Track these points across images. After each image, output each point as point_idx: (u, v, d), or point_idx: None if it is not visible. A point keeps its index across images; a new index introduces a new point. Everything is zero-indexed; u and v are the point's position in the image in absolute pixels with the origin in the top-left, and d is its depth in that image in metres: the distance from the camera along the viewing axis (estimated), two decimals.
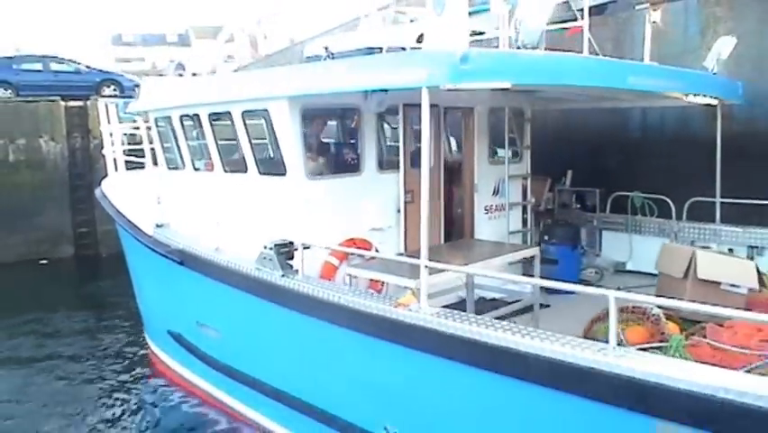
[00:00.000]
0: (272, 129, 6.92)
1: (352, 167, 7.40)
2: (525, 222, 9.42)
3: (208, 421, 7.82)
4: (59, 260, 18.31)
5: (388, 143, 8.18)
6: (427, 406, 5.18)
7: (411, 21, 8.91)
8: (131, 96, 14.57)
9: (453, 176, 9.02)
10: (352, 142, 7.58)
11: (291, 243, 6.43)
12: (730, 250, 8.76)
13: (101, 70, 22.73)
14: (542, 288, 6.77)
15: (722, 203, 8.72)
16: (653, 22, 7.39)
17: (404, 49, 6.40)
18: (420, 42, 6.41)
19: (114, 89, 20.95)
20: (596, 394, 4.01)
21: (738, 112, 9.39)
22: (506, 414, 4.60)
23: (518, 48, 5.50)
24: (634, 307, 6.05)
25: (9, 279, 15.95)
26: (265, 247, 6.50)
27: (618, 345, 5.01)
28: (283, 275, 6.30)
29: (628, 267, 9.68)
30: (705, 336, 5.54)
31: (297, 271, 6.30)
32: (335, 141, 7.93)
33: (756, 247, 8.66)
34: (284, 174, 6.91)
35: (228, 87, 7.77)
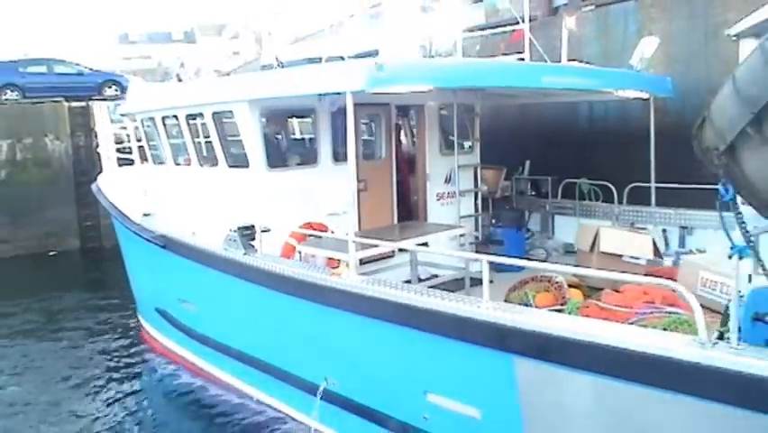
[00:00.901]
0: (237, 127, 7.94)
1: (310, 160, 8.41)
2: (477, 207, 10.39)
3: (188, 386, 8.87)
4: (67, 252, 19.38)
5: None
6: (355, 357, 6.21)
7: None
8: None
9: (412, 166, 10.03)
10: (309, 137, 8.57)
11: (252, 226, 7.45)
12: (664, 230, 9.70)
13: (103, 72, 23.65)
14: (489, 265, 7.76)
15: (659, 187, 9.63)
16: (569, 27, 8.26)
17: (342, 58, 7.38)
18: None
19: (116, 90, 21.75)
20: (472, 338, 5.00)
21: (671, 105, 10.27)
22: (409, 358, 5.60)
23: (432, 56, 6.44)
24: (542, 276, 7.08)
25: (22, 270, 17.21)
26: (230, 230, 7.53)
27: (527, 305, 6.01)
28: (245, 254, 7.32)
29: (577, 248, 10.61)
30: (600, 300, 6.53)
31: (256, 250, 7.32)
32: (294, 137, 8.90)
33: (686, 227, 9.56)
34: (247, 166, 7.92)
35: (201, 92, 8.79)
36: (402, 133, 10.83)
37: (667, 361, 3.97)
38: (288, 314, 6.84)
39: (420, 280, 7.71)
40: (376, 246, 6.80)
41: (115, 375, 9.53)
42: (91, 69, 23.05)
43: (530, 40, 9.00)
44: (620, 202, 10.11)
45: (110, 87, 21.89)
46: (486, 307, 4.96)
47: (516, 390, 4.82)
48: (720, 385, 3.79)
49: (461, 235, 8.19)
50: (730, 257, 3.85)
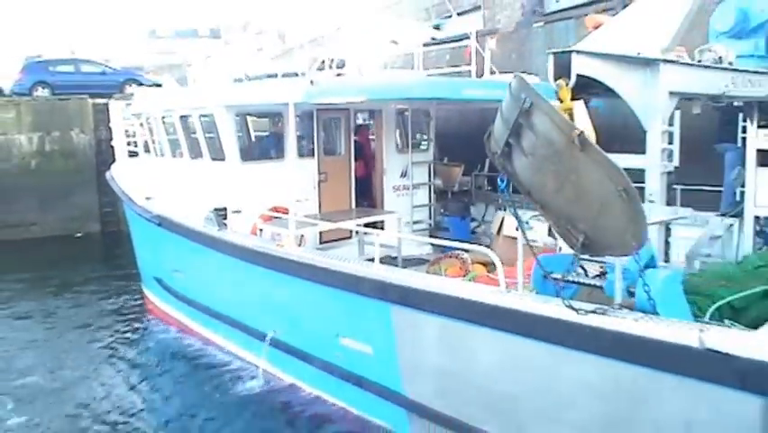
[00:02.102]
0: (216, 127, 9.65)
1: (278, 155, 10.07)
2: (430, 198, 11.98)
3: (175, 339, 10.71)
4: (89, 234, 21.32)
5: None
6: (291, 311, 7.89)
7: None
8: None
9: (375, 162, 11.66)
10: (277, 136, 10.23)
11: (225, 208, 9.18)
12: None
13: (124, 71, 25.51)
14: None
15: None
16: (490, 49, 9.76)
17: (296, 74, 9.03)
18: None
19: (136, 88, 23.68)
20: (364, 291, 6.63)
21: (603, 110, 11.72)
22: (327, 309, 7.28)
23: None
24: (451, 254, 8.72)
25: (50, 249, 19.22)
26: (208, 211, 9.27)
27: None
28: (218, 230, 9.05)
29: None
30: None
31: (227, 227, 9.04)
32: (265, 136, 10.59)
33: None
34: (224, 159, 9.64)
35: (190, 97, 10.55)
36: (371, 132, 12.46)
37: (480, 304, 5.57)
38: (246, 278, 8.56)
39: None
40: (315, 225, 8.51)
41: (119, 331, 11.48)
42: (113, 69, 24.93)
43: (477, 52, 10.57)
44: None
45: (130, 86, 23.40)
46: (375, 268, 6.61)
47: (393, 330, 6.45)
48: (510, 320, 5.37)
49: (415, 222, 9.82)
50: (520, 231, 5.43)
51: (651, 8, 5.86)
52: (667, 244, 7.78)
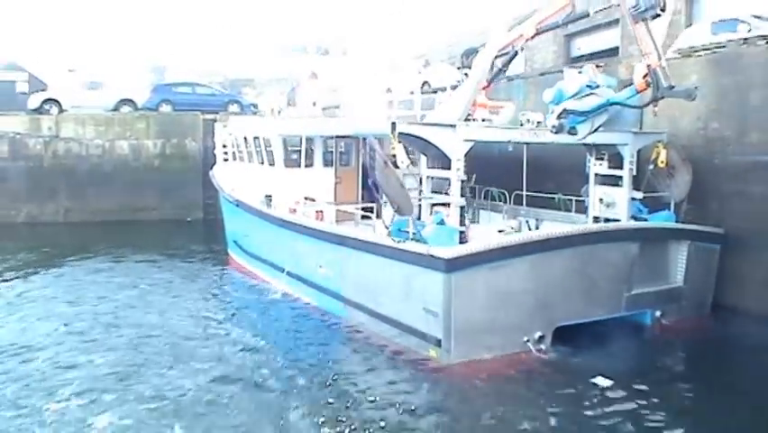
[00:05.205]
0: (271, 145, 17.21)
1: (310, 164, 17.40)
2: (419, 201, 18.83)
3: (243, 279, 18.19)
4: (195, 219, 29.29)
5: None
6: (297, 253, 15.16)
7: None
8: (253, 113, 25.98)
9: None
10: (310, 151, 17.58)
11: (271, 195, 16.68)
12: (527, 221, 17.64)
13: (228, 93, 33.34)
14: None
15: (527, 195, 17.61)
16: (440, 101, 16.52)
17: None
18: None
19: (237, 107, 30.81)
20: (330, 239, 13.74)
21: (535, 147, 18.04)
22: (313, 251, 14.40)
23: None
24: None
25: (166, 229, 27.47)
26: (262, 197, 16.85)
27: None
28: (267, 208, 16.56)
29: None
30: None
31: (272, 207, 16.53)
32: (301, 152, 17.99)
33: (539, 219, 17.49)
34: (274, 165, 17.15)
35: (258, 125, 18.22)
36: None
37: (363, 241, 12.57)
38: (279, 236, 15.89)
39: None
40: (319, 208, 15.82)
41: (211, 273, 19.34)
42: (220, 91, 33.34)
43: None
44: (510, 202, 18.14)
45: (232, 105, 30.95)
46: (335, 226, 13.79)
47: (340, 260, 13.53)
48: (371, 248, 12.29)
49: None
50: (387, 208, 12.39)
51: (456, 95, 12.66)
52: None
